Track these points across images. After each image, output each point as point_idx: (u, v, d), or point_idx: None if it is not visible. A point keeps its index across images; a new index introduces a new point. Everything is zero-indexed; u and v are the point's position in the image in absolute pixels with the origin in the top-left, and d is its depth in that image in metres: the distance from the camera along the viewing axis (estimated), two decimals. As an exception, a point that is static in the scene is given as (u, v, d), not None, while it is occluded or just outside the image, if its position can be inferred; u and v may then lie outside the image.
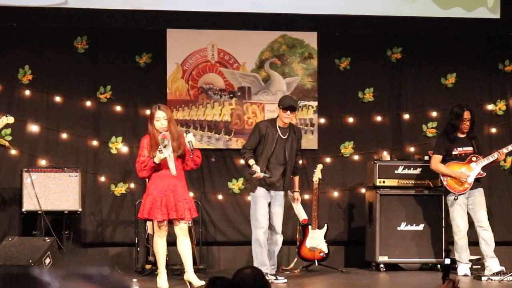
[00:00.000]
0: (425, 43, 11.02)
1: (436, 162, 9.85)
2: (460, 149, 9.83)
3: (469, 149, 9.84)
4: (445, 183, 9.82)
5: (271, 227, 9.27)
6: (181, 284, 8.90)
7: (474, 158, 9.81)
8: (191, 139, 8.55)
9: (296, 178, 9.61)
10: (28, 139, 10.36)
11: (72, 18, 10.43)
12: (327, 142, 10.86)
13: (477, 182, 9.83)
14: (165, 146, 8.45)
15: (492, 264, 9.74)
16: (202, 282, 8.63)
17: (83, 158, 10.46)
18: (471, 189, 9.78)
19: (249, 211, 10.46)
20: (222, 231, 10.67)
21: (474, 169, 9.78)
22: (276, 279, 9.18)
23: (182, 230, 8.71)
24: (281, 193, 9.30)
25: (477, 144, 9.92)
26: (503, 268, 9.71)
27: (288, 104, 9.18)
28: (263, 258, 9.07)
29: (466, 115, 9.78)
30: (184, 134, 8.59)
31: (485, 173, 9.85)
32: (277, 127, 9.21)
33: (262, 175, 9.09)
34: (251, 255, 10.47)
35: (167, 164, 8.53)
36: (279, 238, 9.34)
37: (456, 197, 9.74)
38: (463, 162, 9.80)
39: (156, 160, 8.51)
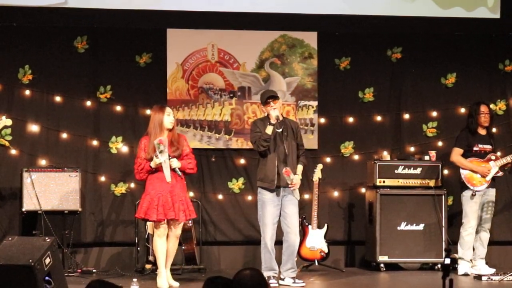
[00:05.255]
0: (425, 43, 11.02)
1: (457, 154, 9.88)
2: (481, 146, 9.87)
3: (489, 147, 9.89)
4: (463, 177, 9.82)
5: (285, 228, 8.94)
6: (181, 284, 8.91)
7: (493, 157, 9.83)
8: (177, 165, 8.67)
9: (299, 166, 9.02)
10: (28, 139, 10.36)
11: (72, 18, 10.43)
12: (327, 142, 10.86)
13: (493, 181, 9.86)
14: (161, 152, 8.50)
15: (482, 266, 9.81)
16: (177, 284, 8.81)
17: (83, 158, 10.46)
18: (487, 187, 9.81)
19: (249, 211, 10.49)
20: (222, 231, 10.67)
21: (492, 168, 9.80)
22: (294, 282, 8.95)
23: (174, 231, 8.75)
24: (296, 192, 8.93)
25: (495, 143, 9.98)
26: (493, 270, 9.73)
27: (267, 96, 8.99)
28: (271, 264, 8.93)
29: (483, 108, 9.88)
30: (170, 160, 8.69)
31: (502, 173, 9.86)
32: (271, 123, 8.92)
33: (275, 115, 8.79)
34: (251, 255, 10.50)
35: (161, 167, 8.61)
36: (295, 239, 9.00)
37: (474, 193, 9.74)
38: (482, 159, 9.83)
39: (152, 164, 8.61)
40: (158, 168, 8.63)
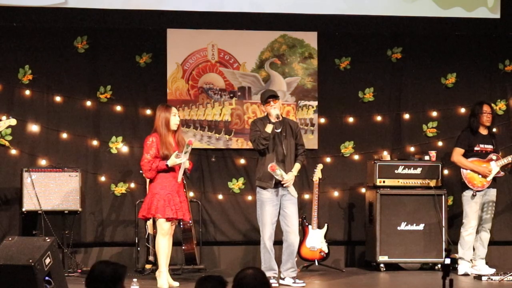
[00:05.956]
0: (425, 43, 11.02)
1: (458, 154, 9.88)
2: (482, 145, 9.88)
3: (490, 147, 9.90)
4: (464, 177, 9.82)
5: (285, 228, 8.95)
6: (181, 284, 8.91)
7: (494, 157, 9.83)
8: (187, 165, 8.70)
9: (296, 164, 9.01)
10: (28, 139, 10.36)
11: (72, 18, 10.43)
12: (327, 142, 10.86)
13: (493, 182, 9.86)
14: (185, 153, 8.50)
15: (482, 266, 9.81)
16: (177, 284, 8.81)
17: (83, 158, 10.46)
18: (487, 187, 9.81)
19: (249, 211, 10.48)
20: (222, 231, 10.67)
21: (493, 168, 9.80)
22: (294, 282, 8.97)
23: (172, 231, 8.77)
24: (291, 189, 8.92)
25: (496, 143, 9.98)
26: (494, 270, 9.73)
27: (267, 95, 9.01)
28: (270, 263, 8.94)
29: (486, 107, 9.90)
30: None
31: (503, 173, 9.86)
32: (271, 121, 8.94)
33: (275, 114, 8.83)
34: (251, 255, 10.50)
35: (175, 167, 8.59)
36: (295, 239, 9.01)
37: (474, 193, 9.74)
38: (483, 159, 9.83)
39: (170, 163, 8.55)
40: (171, 167, 8.62)
